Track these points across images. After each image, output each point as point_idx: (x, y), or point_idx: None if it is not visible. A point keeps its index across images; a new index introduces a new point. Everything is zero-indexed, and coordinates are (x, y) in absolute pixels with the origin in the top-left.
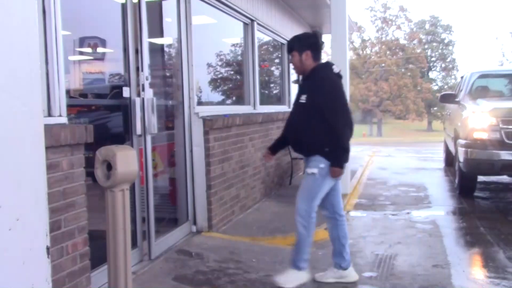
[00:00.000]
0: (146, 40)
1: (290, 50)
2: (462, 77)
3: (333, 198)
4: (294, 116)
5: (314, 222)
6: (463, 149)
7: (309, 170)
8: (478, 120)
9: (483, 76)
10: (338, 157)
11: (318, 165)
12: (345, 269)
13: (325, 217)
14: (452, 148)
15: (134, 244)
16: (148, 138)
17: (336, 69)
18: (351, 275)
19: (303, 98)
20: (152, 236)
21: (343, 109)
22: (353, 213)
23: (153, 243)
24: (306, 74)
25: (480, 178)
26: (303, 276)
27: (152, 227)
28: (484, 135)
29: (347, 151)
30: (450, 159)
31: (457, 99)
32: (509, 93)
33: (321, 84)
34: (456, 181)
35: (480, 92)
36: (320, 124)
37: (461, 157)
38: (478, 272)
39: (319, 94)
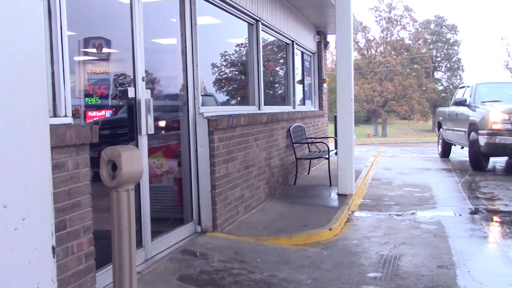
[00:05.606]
0: (141, 40)
1: None
2: (463, 87)
3: None
4: None
5: None
6: (485, 136)
7: None
8: (496, 116)
9: (486, 86)
10: None
11: None
12: None
13: None
14: (462, 141)
15: (139, 244)
16: (145, 138)
17: None
18: None
19: None
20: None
21: None
22: (357, 214)
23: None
24: None
25: (484, 178)
26: None
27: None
28: (500, 126)
29: None
30: (446, 152)
31: (467, 103)
32: (508, 97)
33: None
34: (469, 160)
35: (485, 97)
36: None
37: (482, 142)
38: (484, 273)
39: None
